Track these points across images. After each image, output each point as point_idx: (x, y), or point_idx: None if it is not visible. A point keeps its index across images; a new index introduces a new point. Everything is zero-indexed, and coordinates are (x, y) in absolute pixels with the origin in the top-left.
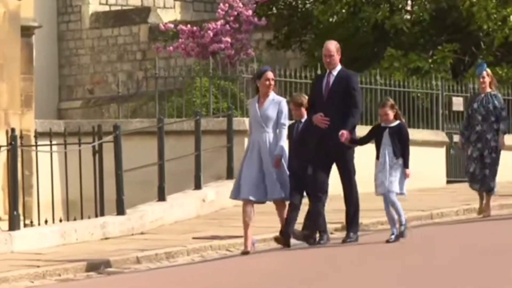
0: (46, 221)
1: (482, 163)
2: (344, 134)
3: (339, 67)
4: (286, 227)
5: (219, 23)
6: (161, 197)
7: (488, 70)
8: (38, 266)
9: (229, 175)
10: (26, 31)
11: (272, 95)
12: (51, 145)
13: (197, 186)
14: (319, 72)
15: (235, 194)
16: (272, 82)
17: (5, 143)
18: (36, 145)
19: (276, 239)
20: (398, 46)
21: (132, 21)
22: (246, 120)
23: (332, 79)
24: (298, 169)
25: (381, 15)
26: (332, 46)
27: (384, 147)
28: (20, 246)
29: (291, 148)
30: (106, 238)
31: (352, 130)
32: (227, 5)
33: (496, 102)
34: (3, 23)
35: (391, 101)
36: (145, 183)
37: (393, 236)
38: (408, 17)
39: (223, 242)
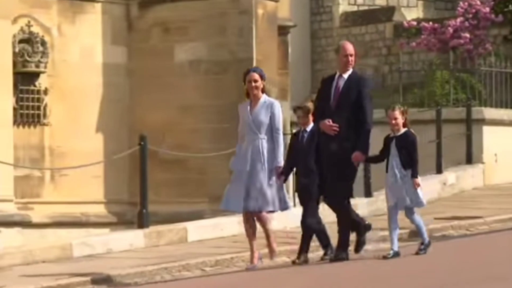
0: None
1: None
2: (358, 157)
3: (351, 69)
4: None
5: (458, 20)
6: None
7: None
8: (290, 244)
9: (468, 161)
10: (282, 30)
11: (264, 97)
12: None
13: (438, 171)
14: None
15: (225, 204)
16: (257, 84)
17: None
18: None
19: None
20: None
21: (378, 20)
22: (485, 110)
23: (342, 83)
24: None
25: None
26: (351, 46)
27: (392, 158)
28: (276, 225)
29: (292, 157)
30: None
31: (365, 150)
32: (466, 3)
33: None
34: (262, 23)
35: (401, 106)
36: None
37: (391, 252)
38: None
39: (462, 223)
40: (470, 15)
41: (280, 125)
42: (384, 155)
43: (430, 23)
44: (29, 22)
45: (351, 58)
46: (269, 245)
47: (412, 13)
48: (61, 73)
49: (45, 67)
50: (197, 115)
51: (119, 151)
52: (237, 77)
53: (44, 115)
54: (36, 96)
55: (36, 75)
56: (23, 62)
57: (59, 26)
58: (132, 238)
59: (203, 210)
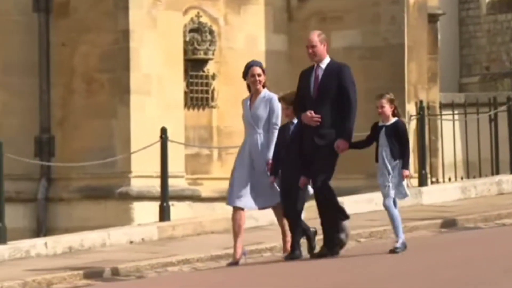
0: (449, 179)
1: None
2: (340, 146)
3: (327, 59)
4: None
5: None
6: None
7: None
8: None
9: None
10: (432, 18)
11: (264, 92)
12: (453, 114)
13: None
14: None
15: (228, 200)
16: (260, 78)
17: (414, 113)
18: (441, 114)
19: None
20: None
21: None
22: None
23: (321, 73)
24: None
25: None
26: (315, 36)
27: (382, 148)
28: (427, 200)
29: (284, 153)
30: (501, 194)
31: (348, 138)
32: None
33: None
34: (413, 11)
35: (391, 95)
36: None
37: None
38: None
39: None
40: None
41: (278, 120)
42: (369, 141)
43: None
44: (198, 13)
45: (311, 50)
46: (285, 238)
47: None
48: (227, 59)
49: (213, 54)
50: None
51: None
52: (388, 62)
53: (212, 98)
54: (205, 81)
55: (204, 61)
56: (193, 50)
57: (225, 17)
58: None
59: (359, 186)
